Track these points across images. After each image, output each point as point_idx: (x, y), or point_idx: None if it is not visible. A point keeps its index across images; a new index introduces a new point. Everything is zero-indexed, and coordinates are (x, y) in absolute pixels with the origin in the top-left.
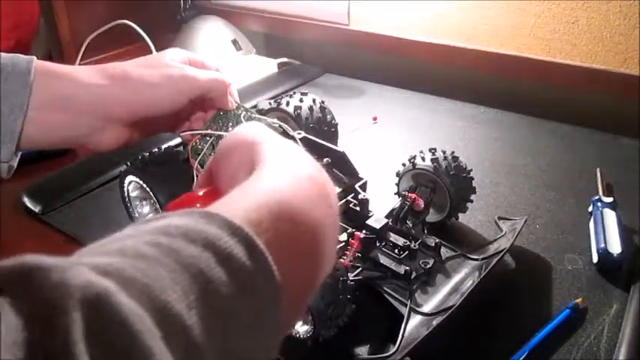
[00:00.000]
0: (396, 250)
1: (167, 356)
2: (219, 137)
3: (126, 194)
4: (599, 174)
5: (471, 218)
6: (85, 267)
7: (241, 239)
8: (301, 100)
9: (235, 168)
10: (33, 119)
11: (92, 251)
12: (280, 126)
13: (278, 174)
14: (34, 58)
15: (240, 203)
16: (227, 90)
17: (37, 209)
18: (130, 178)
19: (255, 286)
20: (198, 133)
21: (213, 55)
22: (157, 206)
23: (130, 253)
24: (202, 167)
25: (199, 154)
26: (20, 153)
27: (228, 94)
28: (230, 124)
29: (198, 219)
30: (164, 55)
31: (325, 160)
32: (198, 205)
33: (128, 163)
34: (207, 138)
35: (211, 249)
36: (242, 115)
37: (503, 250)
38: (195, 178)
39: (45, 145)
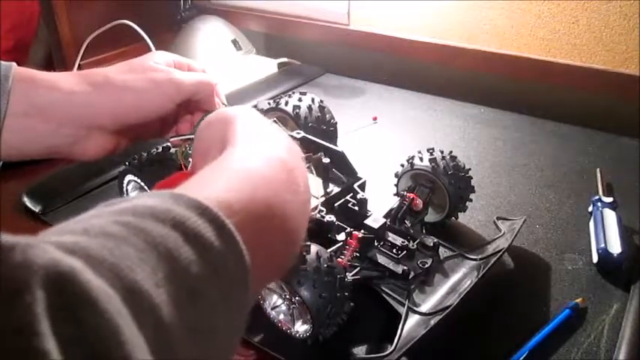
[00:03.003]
0: (394, 250)
1: (136, 335)
2: None
3: (125, 194)
4: (599, 174)
5: (471, 218)
6: (50, 245)
7: (210, 220)
8: (300, 100)
9: (208, 144)
10: (12, 127)
11: (58, 231)
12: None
13: (249, 154)
14: (14, 64)
15: (211, 184)
16: (213, 92)
17: (37, 209)
18: (129, 177)
19: (224, 266)
20: (187, 138)
21: (213, 55)
22: None
23: (96, 232)
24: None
25: (189, 159)
26: (1, 162)
27: (214, 95)
28: None
29: (167, 199)
30: (148, 58)
31: (323, 159)
32: None
33: (127, 162)
34: None
35: (180, 229)
36: None
37: (501, 249)
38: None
39: (28, 155)
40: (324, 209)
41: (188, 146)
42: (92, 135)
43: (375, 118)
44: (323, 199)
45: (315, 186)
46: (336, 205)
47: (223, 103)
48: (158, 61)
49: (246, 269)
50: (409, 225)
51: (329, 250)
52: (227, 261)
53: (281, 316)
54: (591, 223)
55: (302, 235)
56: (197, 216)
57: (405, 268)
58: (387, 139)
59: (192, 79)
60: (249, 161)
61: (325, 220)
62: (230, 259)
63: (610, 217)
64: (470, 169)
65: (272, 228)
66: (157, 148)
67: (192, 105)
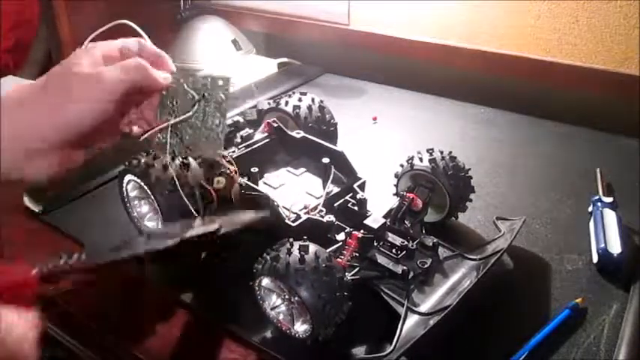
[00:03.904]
0: (394, 250)
1: None
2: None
3: (125, 194)
4: (599, 174)
5: (470, 218)
6: None
7: None
8: (300, 100)
9: None
10: None
11: None
12: (279, 126)
13: None
14: None
15: None
16: (148, 72)
17: (37, 209)
18: (128, 177)
19: None
20: (155, 130)
21: (213, 55)
22: (156, 205)
23: None
24: (173, 159)
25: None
26: None
27: (152, 74)
28: (178, 99)
29: None
30: (71, 63)
31: (323, 159)
32: None
33: (127, 162)
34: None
35: None
36: (185, 84)
37: (501, 250)
38: (173, 176)
39: None
40: (323, 209)
41: (160, 136)
42: (37, 155)
43: (375, 118)
44: (323, 199)
45: (316, 186)
46: (335, 205)
47: (172, 72)
48: (83, 64)
49: None
50: (409, 225)
51: (328, 250)
52: None
53: (280, 316)
54: (591, 223)
55: None
56: None
57: (405, 268)
58: (386, 139)
59: (118, 74)
60: None
61: (325, 220)
62: None
63: (610, 217)
64: (470, 169)
65: None
66: None
67: (143, 90)
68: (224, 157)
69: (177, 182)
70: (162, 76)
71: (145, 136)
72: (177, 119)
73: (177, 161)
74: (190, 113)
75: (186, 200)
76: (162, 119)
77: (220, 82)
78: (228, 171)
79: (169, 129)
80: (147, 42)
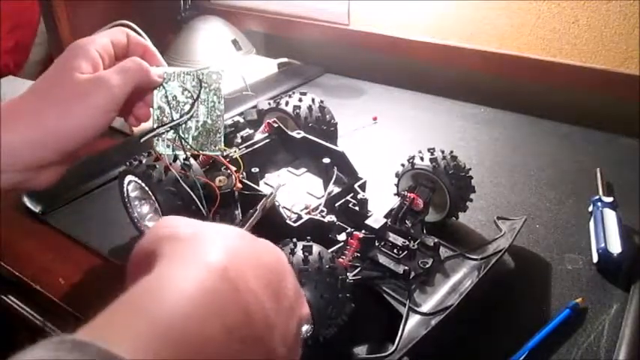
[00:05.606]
0: (395, 250)
1: None
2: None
3: (125, 194)
4: (599, 174)
5: (471, 218)
6: None
7: None
8: (300, 100)
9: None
10: None
11: None
12: (279, 126)
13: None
14: None
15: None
16: (149, 71)
17: (37, 209)
18: (129, 177)
19: None
20: (153, 135)
21: (213, 55)
22: (157, 206)
23: None
24: (175, 159)
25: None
26: None
27: (152, 73)
28: (174, 94)
29: (66, 353)
30: (71, 62)
31: (324, 160)
32: None
33: (127, 162)
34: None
35: None
36: (181, 78)
37: (502, 249)
38: (175, 176)
39: None
40: (324, 209)
41: (158, 139)
42: (37, 168)
43: (375, 118)
44: (324, 199)
45: (317, 186)
46: (336, 205)
47: (161, 75)
48: (82, 67)
49: None
50: (410, 225)
51: (330, 251)
52: None
53: None
54: (591, 223)
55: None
56: None
57: (406, 268)
58: (387, 139)
59: (122, 78)
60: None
61: (326, 220)
62: None
63: (610, 217)
64: (470, 169)
65: None
66: None
67: (140, 90)
68: (225, 157)
69: (180, 180)
70: (158, 74)
71: (146, 138)
72: (177, 121)
73: (179, 162)
74: (191, 113)
75: (194, 197)
76: (159, 120)
77: (214, 77)
78: (228, 171)
79: (165, 129)
80: (131, 32)
